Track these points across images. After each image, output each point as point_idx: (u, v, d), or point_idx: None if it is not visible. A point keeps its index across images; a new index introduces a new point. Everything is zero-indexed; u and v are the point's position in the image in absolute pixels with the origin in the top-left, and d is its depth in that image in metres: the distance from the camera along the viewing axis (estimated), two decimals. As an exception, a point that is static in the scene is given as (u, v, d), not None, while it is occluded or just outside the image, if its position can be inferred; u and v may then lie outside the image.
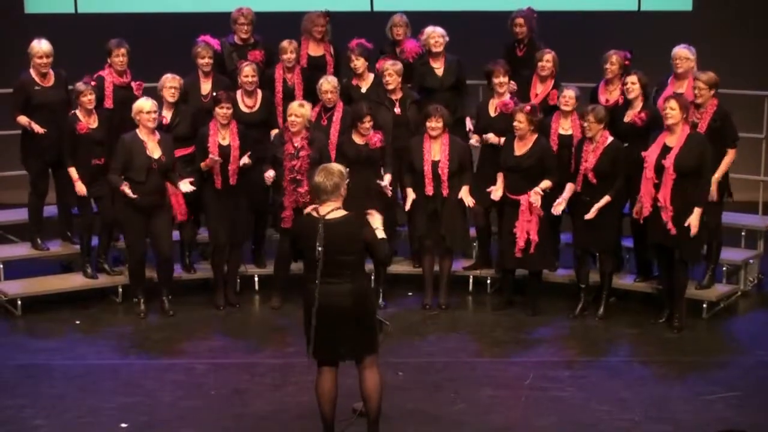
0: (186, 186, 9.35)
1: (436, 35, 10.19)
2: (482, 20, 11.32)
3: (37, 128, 9.77)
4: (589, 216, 9.20)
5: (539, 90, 10.02)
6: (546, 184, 9.36)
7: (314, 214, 7.02)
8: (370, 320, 7.12)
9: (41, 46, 9.85)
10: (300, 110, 9.39)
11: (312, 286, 6.96)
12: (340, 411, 7.24)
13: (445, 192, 9.52)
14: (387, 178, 9.58)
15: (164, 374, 8.43)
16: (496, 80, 9.82)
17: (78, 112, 9.67)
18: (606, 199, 9.20)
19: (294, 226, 7.18)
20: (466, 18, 11.99)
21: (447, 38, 10.24)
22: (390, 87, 9.95)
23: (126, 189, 9.12)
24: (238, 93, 9.89)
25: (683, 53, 9.63)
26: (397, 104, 10.00)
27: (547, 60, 9.94)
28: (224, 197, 9.56)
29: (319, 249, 6.89)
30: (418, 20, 10.64)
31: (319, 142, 9.51)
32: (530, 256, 9.41)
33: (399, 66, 9.98)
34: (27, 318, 9.64)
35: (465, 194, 9.55)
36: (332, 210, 6.97)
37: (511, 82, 9.87)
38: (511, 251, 9.43)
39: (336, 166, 7.10)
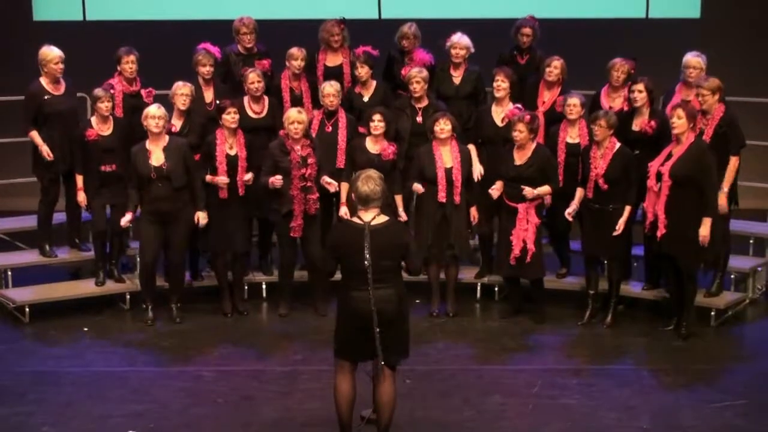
0: (203, 218, 9.44)
1: (458, 46, 10.16)
2: (490, 27, 11.31)
3: (47, 153, 9.78)
4: (617, 231, 9.17)
5: (546, 98, 10.01)
6: (545, 189, 9.36)
7: (356, 221, 7.03)
8: (407, 324, 7.19)
9: (54, 51, 9.85)
10: (301, 117, 9.40)
11: (358, 294, 6.95)
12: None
13: (457, 199, 9.52)
14: (398, 201, 9.60)
15: (172, 381, 8.44)
16: (494, 84, 9.80)
17: (93, 119, 9.68)
18: (627, 209, 9.18)
19: (332, 235, 7.18)
20: (472, 25, 11.97)
21: (471, 50, 10.21)
22: (417, 95, 9.92)
23: (126, 218, 9.35)
24: (245, 99, 9.90)
25: (696, 62, 9.58)
26: (420, 113, 9.99)
27: (555, 66, 9.92)
28: (227, 207, 9.56)
29: (368, 255, 6.90)
30: (425, 27, 10.64)
31: (320, 149, 9.53)
32: (525, 264, 9.41)
33: (425, 73, 9.94)
34: (35, 325, 9.64)
35: (474, 210, 9.63)
36: (375, 216, 7.00)
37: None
38: (507, 259, 9.43)
39: (374, 172, 7.12)
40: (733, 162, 9.32)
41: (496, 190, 9.45)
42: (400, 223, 7.07)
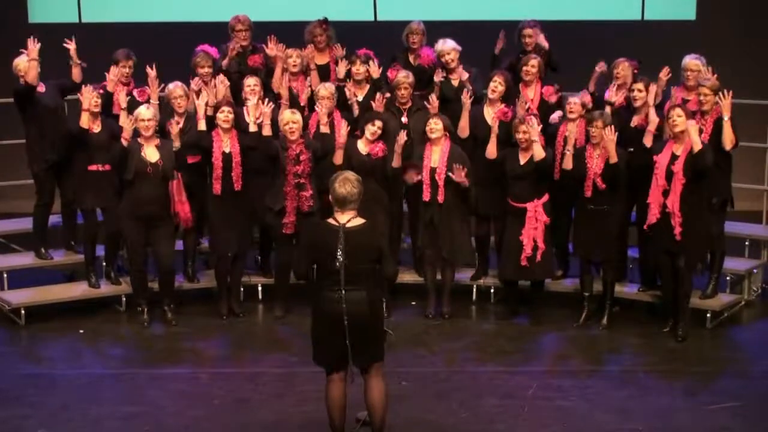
0: (174, 128, 9.49)
1: (446, 51, 10.18)
2: (488, 30, 11.32)
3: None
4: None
5: (531, 95, 10.02)
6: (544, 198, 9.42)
7: (332, 222, 7.03)
8: (381, 328, 7.16)
9: (21, 57, 9.75)
10: (294, 117, 9.48)
11: (330, 295, 6.95)
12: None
13: (440, 198, 9.52)
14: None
15: (168, 383, 8.44)
16: (491, 85, 9.85)
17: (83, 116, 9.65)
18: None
19: (307, 236, 7.18)
20: (471, 28, 12.01)
21: (459, 48, 10.23)
22: (404, 100, 9.98)
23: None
24: (244, 109, 9.86)
25: (694, 65, 9.61)
26: (405, 113, 10.03)
27: (532, 65, 9.99)
28: (227, 207, 9.58)
29: (340, 258, 6.91)
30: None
31: (313, 146, 9.56)
32: (536, 264, 9.41)
33: (412, 78, 10.01)
34: (31, 327, 9.64)
35: (458, 175, 9.42)
36: (351, 218, 7.00)
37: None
38: (516, 260, 9.43)
39: (353, 174, 7.12)
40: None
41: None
42: (377, 226, 7.05)
